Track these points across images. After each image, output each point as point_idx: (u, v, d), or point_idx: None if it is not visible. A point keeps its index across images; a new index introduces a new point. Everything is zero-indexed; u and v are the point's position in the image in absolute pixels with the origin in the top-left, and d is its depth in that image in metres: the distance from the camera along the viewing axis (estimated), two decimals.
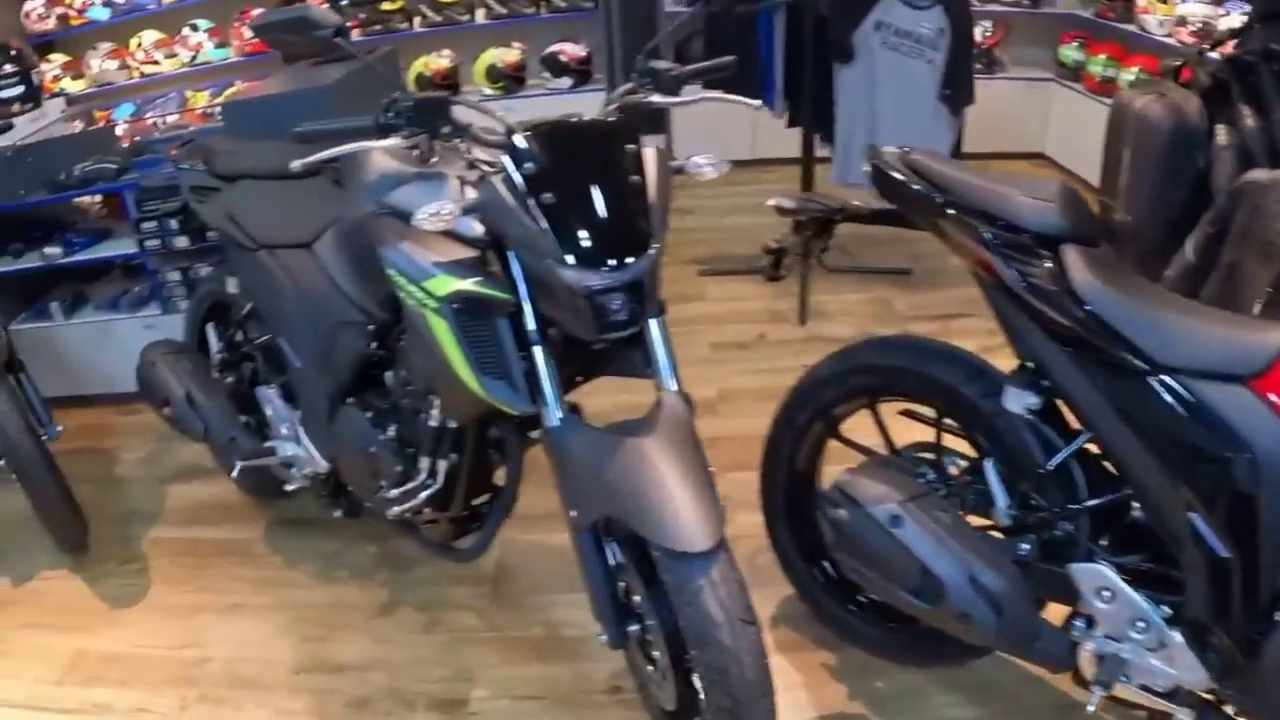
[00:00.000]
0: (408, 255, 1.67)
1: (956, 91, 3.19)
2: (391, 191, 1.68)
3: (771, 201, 1.90)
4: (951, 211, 1.59)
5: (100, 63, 4.77)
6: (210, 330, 2.58)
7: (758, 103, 1.87)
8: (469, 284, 1.60)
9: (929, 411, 1.84)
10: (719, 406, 3.02)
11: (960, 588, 1.61)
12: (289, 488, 2.40)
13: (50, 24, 4.77)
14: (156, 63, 4.83)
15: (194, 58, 4.86)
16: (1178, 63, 2.88)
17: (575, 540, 1.66)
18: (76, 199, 3.35)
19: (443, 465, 1.96)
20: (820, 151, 3.71)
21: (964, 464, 1.80)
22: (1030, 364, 1.60)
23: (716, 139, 4.92)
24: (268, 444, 2.39)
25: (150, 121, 4.21)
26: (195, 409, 2.45)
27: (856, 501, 1.71)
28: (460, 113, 1.60)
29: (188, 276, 3.17)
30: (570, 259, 1.46)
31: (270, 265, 2.21)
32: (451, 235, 1.60)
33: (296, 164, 1.66)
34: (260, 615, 2.38)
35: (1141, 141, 2.65)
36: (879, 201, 1.76)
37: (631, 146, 1.58)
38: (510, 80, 4.98)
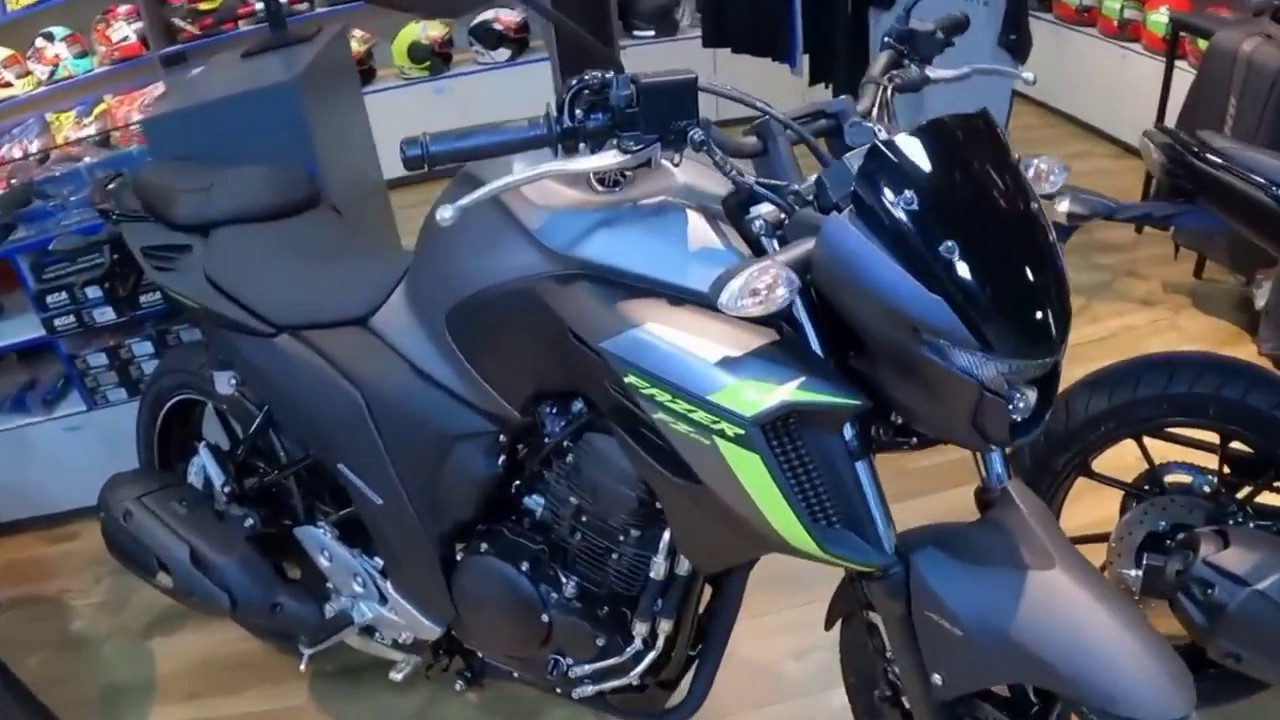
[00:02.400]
0: (670, 353, 1.06)
1: (1021, 36, 2.73)
2: (590, 241, 1.14)
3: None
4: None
5: None
6: (203, 452, 1.89)
7: (1029, 75, 1.32)
8: (793, 390, 1.01)
9: None
10: None
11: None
12: (397, 676, 1.76)
13: None
14: (9, 84, 3.91)
15: (53, 73, 3.95)
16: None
17: (919, 707, 1.20)
18: None
19: (666, 626, 1.39)
20: None
21: None
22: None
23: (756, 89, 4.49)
24: (331, 608, 1.77)
25: (6, 157, 3.35)
26: (209, 572, 1.76)
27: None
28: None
29: (118, 358, 2.45)
30: (989, 339, 0.93)
31: (302, 357, 1.57)
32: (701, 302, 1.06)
33: (447, 212, 1.01)
34: None
35: (1254, 89, 2.43)
36: None
37: (1013, 159, 1.02)
38: (436, 59, 4.29)
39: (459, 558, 1.55)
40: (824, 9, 2.87)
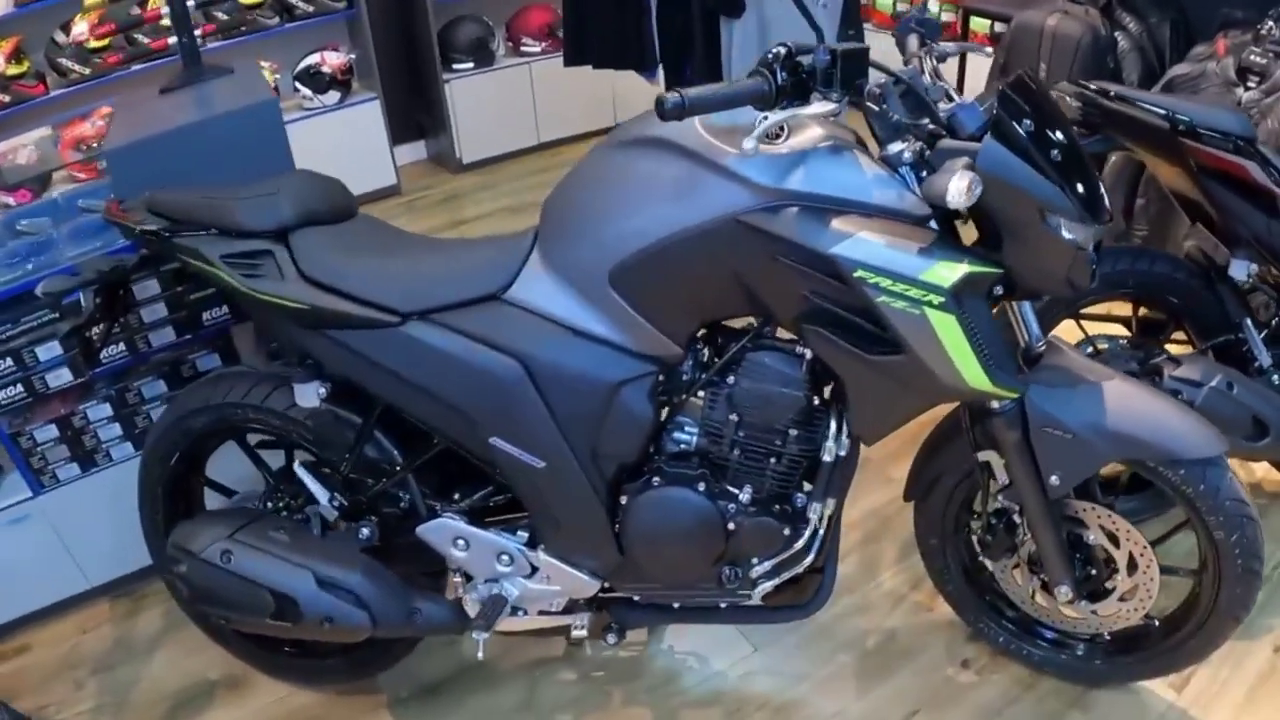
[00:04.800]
0: (883, 246, 1.35)
1: (858, 30, 3.15)
2: (793, 176, 1.38)
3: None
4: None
5: None
6: (301, 472, 1.78)
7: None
8: (967, 265, 1.36)
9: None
10: None
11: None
12: (579, 633, 1.76)
13: None
14: None
15: None
16: None
17: (1035, 510, 1.63)
18: None
19: (831, 505, 1.59)
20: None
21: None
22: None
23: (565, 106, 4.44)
24: (472, 598, 1.76)
25: None
26: (339, 593, 1.67)
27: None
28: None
29: (70, 427, 2.19)
30: (1090, 215, 1.34)
31: (440, 339, 1.56)
32: (893, 215, 1.38)
33: (750, 143, 1.31)
34: None
35: (1060, 54, 2.96)
36: None
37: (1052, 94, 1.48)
38: None
39: (623, 501, 1.62)
40: (678, 24, 3.12)
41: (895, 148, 1.39)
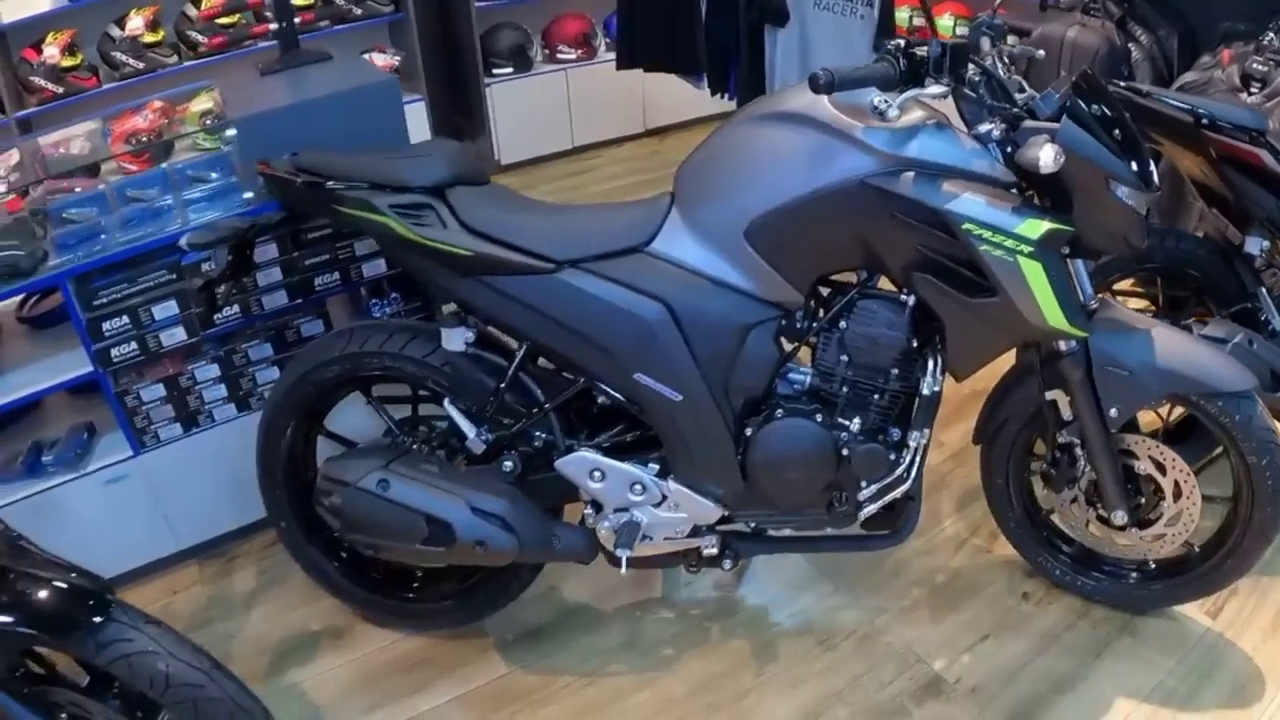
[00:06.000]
0: (985, 205, 1.62)
1: (893, 41, 3.46)
2: (909, 145, 1.64)
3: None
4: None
5: None
6: (450, 410, 1.92)
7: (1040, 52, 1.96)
8: (1049, 221, 1.62)
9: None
10: None
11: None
12: (710, 551, 1.95)
13: None
14: None
15: None
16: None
17: (1096, 441, 1.88)
18: None
19: (927, 434, 1.83)
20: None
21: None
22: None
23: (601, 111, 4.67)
24: (606, 526, 1.92)
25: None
26: (488, 519, 1.83)
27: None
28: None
29: (177, 388, 2.28)
30: (1144, 184, 1.61)
31: (593, 285, 1.76)
32: (989, 180, 1.64)
33: (893, 111, 1.58)
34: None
35: (1079, 63, 3.21)
36: None
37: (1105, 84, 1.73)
38: None
39: (748, 432, 1.81)
40: (724, 32, 3.41)
41: (984, 127, 1.65)
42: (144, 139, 3.33)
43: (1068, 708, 1.94)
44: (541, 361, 1.92)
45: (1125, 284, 2.56)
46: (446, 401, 1.91)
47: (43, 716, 1.49)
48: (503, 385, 1.88)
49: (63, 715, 1.54)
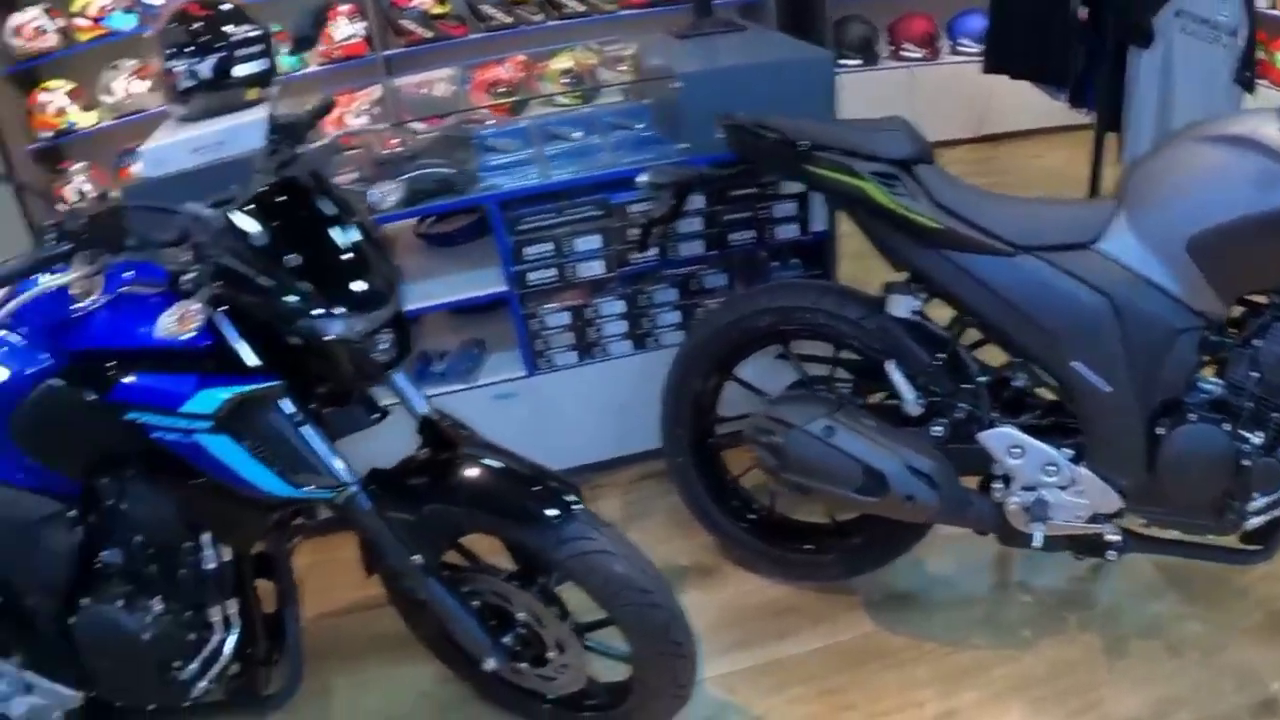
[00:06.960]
0: None
1: (1252, 72, 3.42)
2: None
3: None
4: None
5: (126, 84, 3.54)
6: (892, 372, 2.00)
7: None
8: None
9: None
10: None
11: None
12: (1112, 537, 1.96)
13: (51, 41, 3.53)
14: None
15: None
16: None
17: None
18: None
19: None
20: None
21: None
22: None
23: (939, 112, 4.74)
24: (1015, 501, 1.96)
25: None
26: (919, 476, 1.92)
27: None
28: None
29: (582, 318, 2.46)
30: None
31: (1046, 272, 1.82)
32: None
33: None
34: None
35: None
36: None
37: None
38: None
39: (1160, 431, 1.85)
40: (1087, 49, 3.43)
41: None
42: (503, 90, 3.59)
43: None
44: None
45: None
46: (889, 364, 1.99)
47: (464, 600, 1.71)
48: (942, 355, 1.97)
49: (475, 602, 1.74)
